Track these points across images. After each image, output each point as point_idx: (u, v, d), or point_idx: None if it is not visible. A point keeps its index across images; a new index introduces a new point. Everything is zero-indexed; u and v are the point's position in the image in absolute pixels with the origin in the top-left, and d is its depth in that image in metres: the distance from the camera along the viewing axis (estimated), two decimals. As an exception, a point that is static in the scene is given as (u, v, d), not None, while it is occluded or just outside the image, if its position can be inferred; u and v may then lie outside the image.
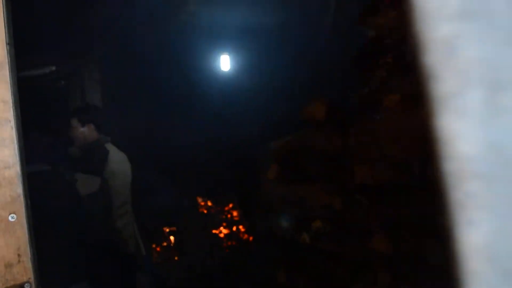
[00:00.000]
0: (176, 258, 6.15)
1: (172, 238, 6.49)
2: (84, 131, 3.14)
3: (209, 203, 6.90)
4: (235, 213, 6.89)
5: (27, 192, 0.92)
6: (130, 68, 4.99)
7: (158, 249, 6.29)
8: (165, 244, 6.41)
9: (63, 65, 4.21)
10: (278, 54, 4.63)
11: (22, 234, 0.88)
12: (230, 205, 6.98)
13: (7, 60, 0.85)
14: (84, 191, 2.94)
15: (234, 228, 6.71)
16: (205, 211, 6.75)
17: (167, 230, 6.54)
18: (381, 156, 1.90)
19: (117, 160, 3.20)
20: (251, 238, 6.55)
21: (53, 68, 4.06)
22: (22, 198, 0.88)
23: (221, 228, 6.65)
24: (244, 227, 6.76)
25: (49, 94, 4.31)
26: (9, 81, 0.85)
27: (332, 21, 4.35)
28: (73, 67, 4.32)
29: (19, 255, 0.87)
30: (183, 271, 5.81)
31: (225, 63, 5.43)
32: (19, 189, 0.87)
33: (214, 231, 6.57)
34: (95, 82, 4.56)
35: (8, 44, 0.85)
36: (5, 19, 0.84)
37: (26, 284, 0.89)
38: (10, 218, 0.86)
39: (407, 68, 1.89)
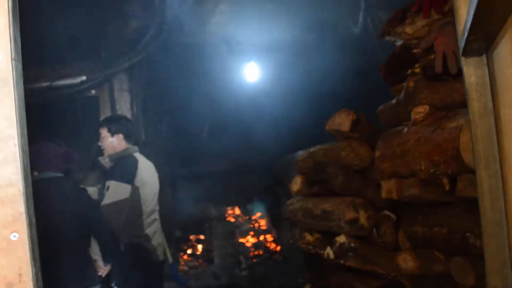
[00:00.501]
0: (203, 266, 6.15)
1: (199, 246, 6.50)
2: (114, 141, 3.22)
3: (237, 212, 6.89)
4: (262, 222, 6.85)
5: (31, 210, 0.90)
6: (159, 80, 5.06)
7: (185, 257, 6.31)
8: (192, 252, 6.43)
9: (93, 75, 4.29)
10: (305, 65, 4.58)
11: (23, 254, 0.86)
12: (258, 214, 6.95)
13: (12, 76, 0.84)
14: (114, 197, 2.99)
15: (262, 238, 6.67)
16: (233, 220, 6.74)
17: (195, 238, 6.56)
18: (409, 171, 1.82)
19: (146, 168, 3.27)
20: (278, 248, 6.48)
21: (84, 78, 4.14)
22: (24, 217, 0.86)
23: (248, 237, 6.62)
24: (272, 236, 6.70)
25: (79, 104, 4.40)
26: (14, 98, 0.85)
27: (361, 31, 4.27)
28: (104, 77, 4.39)
29: (20, 275, 0.86)
30: (209, 279, 5.80)
31: (252, 74, 5.41)
32: (21, 207, 0.86)
33: (241, 240, 6.55)
34: (125, 92, 4.63)
35: (14, 59, 0.85)
36: (11, 34, 0.84)
37: (28, 305, 0.88)
38: (12, 237, 0.85)
39: (436, 79, 1.81)
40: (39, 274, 0.92)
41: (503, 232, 1.22)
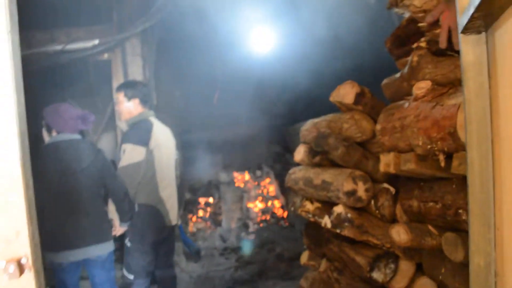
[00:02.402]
0: (211, 228, 6.31)
1: (208, 209, 6.65)
2: (130, 106, 3.29)
3: (246, 177, 6.98)
4: (271, 189, 6.94)
5: (28, 173, 0.95)
6: (172, 45, 5.04)
7: (194, 219, 6.48)
8: (200, 214, 6.58)
9: (106, 39, 4.30)
10: (320, 33, 4.50)
11: (20, 213, 0.92)
12: (267, 181, 7.03)
13: (8, 48, 0.87)
14: (131, 160, 3.10)
15: (269, 203, 6.78)
16: (242, 185, 6.84)
17: (204, 201, 6.70)
18: (407, 146, 1.83)
19: (162, 133, 3.36)
20: (285, 214, 6.60)
21: (96, 42, 4.15)
22: (21, 179, 0.92)
23: (257, 202, 6.74)
24: (279, 202, 6.81)
25: (92, 68, 4.43)
26: (11, 69, 0.88)
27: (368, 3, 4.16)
28: (116, 41, 4.39)
29: (17, 232, 0.92)
30: (217, 241, 5.96)
31: (265, 40, 5.35)
32: (18, 170, 0.91)
33: (249, 205, 6.67)
34: (137, 57, 4.63)
35: (10, 32, 0.87)
36: (7, 7, 0.86)
37: (23, 259, 0.95)
38: (9, 197, 0.91)
39: (440, 54, 1.79)
40: (36, 232, 0.99)
41: (489, 212, 1.24)
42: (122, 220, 3.13)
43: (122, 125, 3.36)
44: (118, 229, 3.18)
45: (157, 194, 3.27)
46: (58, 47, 4.03)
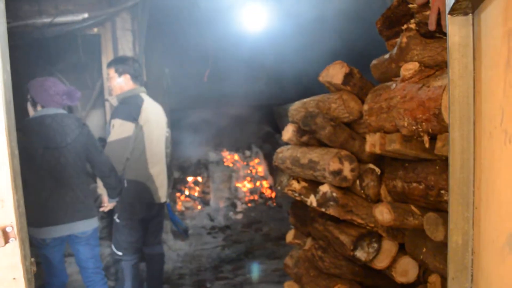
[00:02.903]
0: (199, 207, 6.35)
1: (196, 188, 6.68)
2: (121, 81, 3.27)
3: (235, 157, 7.01)
4: (259, 169, 6.98)
5: (13, 142, 0.95)
6: (163, 20, 4.97)
7: (182, 197, 6.51)
8: (189, 193, 6.61)
9: (96, 13, 4.22)
10: (304, 16, 4.47)
11: (5, 182, 0.92)
12: (256, 161, 7.07)
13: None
14: (119, 135, 3.10)
15: (258, 184, 6.82)
16: (231, 165, 6.87)
17: (193, 180, 6.73)
18: (393, 127, 1.85)
19: (152, 109, 3.37)
20: (273, 195, 6.66)
21: (86, 15, 4.08)
22: (6, 147, 0.92)
23: (245, 182, 6.78)
24: (267, 183, 6.86)
25: (81, 42, 4.36)
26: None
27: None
28: (106, 15, 4.32)
29: (2, 200, 0.92)
30: (204, 220, 6.01)
31: (257, 18, 5.29)
32: (3, 138, 0.91)
33: (237, 185, 6.71)
34: (127, 32, 4.57)
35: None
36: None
37: (8, 227, 0.95)
38: (-7, 167, 0.91)
39: (429, 36, 1.80)
40: (21, 201, 0.99)
41: (469, 192, 1.27)
42: (110, 196, 3.13)
43: (113, 101, 3.34)
44: (107, 204, 3.19)
45: (146, 171, 3.28)
46: (47, 20, 3.96)
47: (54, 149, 2.76)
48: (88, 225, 2.94)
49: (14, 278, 1.00)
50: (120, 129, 3.11)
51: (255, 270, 4.47)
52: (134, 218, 3.30)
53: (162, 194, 3.41)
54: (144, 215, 3.33)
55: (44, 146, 2.73)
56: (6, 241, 0.99)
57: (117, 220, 3.31)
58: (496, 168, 1.08)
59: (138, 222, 3.32)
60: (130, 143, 3.15)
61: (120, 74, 3.30)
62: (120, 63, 3.35)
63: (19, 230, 1.01)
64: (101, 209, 3.23)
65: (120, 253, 3.33)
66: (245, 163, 7.00)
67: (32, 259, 1.10)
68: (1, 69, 0.94)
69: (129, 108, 3.20)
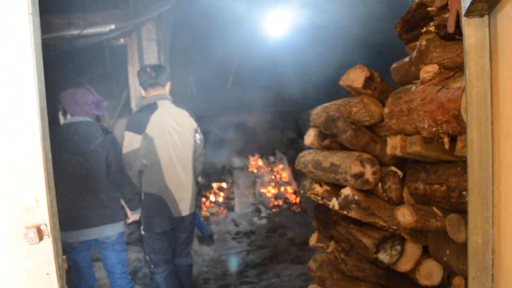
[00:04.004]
0: (224, 213, 6.41)
1: (221, 194, 6.75)
2: (141, 92, 3.36)
3: (260, 163, 7.05)
4: (284, 174, 7.00)
5: (47, 146, 1.02)
6: (187, 30, 5.09)
7: (207, 203, 6.59)
8: (214, 199, 6.69)
9: (122, 24, 4.36)
10: (328, 22, 4.50)
11: (40, 183, 0.99)
12: (280, 166, 7.09)
13: (30, 30, 0.93)
14: (129, 147, 3.13)
15: (282, 189, 6.84)
16: (255, 170, 6.91)
17: (217, 186, 6.80)
18: (414, 129, 1.86)
19: (170, 118, 3.24)
20: (297, 200, 6.66)
21: (112, 26, 4.22)
22: (41, 152, 0.99)
23: (269, 187, 6.81)
24: (292, 188, 6.87)
25: (108, 52, 4.50)
26: (32, 50, 0.94)
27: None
28: (132, 26, 4.46)
29: (37, 200, 0.99)
30: (229, 225, 6.07)
31: (281, 25, 5.35)
32: (38, 144, 0.98)
33: (262, 190, 6.74)
34: (152, 42, 4.70)
35: (31, 14, 0.93)
36: (27, -12, 0.92)
37: (42, 225, 1.02)
38: (30, 168, 0.98)
39: (449, 38, 1.80)
40: (54, 201, 1.06)
41: (488, 191, 1.27)
42: (129, 207, 3.20)
43: (134, 109, 3.39)
44: (130, 216, 3.27)
45: (162, 183, 3.17)
46: (75, 32, 4.11)
47: (79, 154, 2.87)
48: (113, 230, 3.01)
49: (47, 274, 1.07)
50: (130, 141, 3.11)
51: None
52: (154, 231, 3.24)
53: (184, 207, 3.27)
54: (164, 229, 3.24)
55: (70, 151, 2.86)
56: (41, 238, 1.06)
57: (143, 233, 3.34)
58: (514, 166, 1.09)
59: (162, 235, 3.25)
60: (139, 155, 3.10)
61: (139, 85, 3.38)
62: (137, 75, 3.42)
63: (52, 228, 1.08)
64: (127, 221, 3.31)
65: (151, 266, 3.33)
66: (269, 168, 7.04)
67: (64, 257, 1.17)
68: (36, 79, 1.01)
69: (136, 120, 3.17)
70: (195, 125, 3.41)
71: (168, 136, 3.20)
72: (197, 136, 3.43)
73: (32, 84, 1.00)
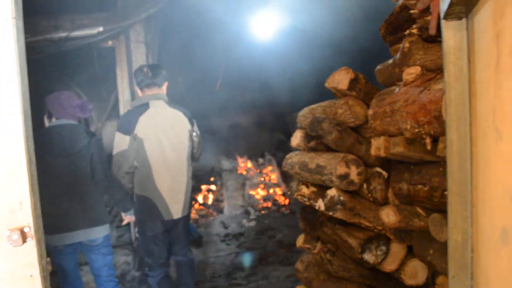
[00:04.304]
0: (213, 215, 6.41)
1: (210, 196, 6.75)
2: (138, 92, 3.33)
3: (249, 165, 7.06)
4: (273, 176, 7.02)
5: (31, 149, 1.03)
6: (175, 32, 5.09)
7: (196, 206, 6.58)
8: (203, 201, 6.68)
9: (110, 26, 4.35)
10: (315, 24, 4.53)
11: (24, 186, 1.00)
12: (269, 168, 7.11)
13: (13, 33, 0.94)
14: (118, 148, 3.09)
15: (271, 191, 6.86)
16: (244, 172, 6.92)
17: (206, 188, 6.80)
18: (397, 130, 1.89)
19: (162, 119, 3.16)
20: (286, 202, 6.68)
21: (101, 29, 4.21)
22: (25, 155, 0.99)
23: (258, 189, 6.82)
24: (281, 190, 6.89)
25: (96, 55, 4.50)
26: (15, 53, 0.95)
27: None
28: (120, 28, 4.45)
29: (21, 203, 1.00)
30: (218, 228, 6.06)
31: (269, 28, 5.37)
32: (22, 147, 0.99)
33: (251, 192, 6.76)
34: (141, 44, 4.69)
35: (14, 18, 0.94)
36: (10, -9, 0.93)
37: (26, 228, 1.02)
38: (13, 171, 0.98)
39: (431, 41, 1.84)
40: (38, 203, 1.06)
41: (467, 191, 1.30)
42: (121, 209, 3.20)
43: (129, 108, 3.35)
44: (124, 218, 3.26)
45: (152, 186, 3.11)
46: (63, 34, 4.10)
47: (63, 157, 2.87)
48: (98, 233, 3.00)
49: (31, 275, 1.07)
50: (119, 142, 3.07)
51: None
52: (146, 234, 3.19)
53: (176, 210, 3.20)
54: (156, 232, 3.18)
55: (54, 154, 2.85)
56: (24, 240, 1.06)
57: (137, 235, 3.31)
58: (490, 165, 1.11)
59: (155, 238, 3.19)
60: (128, 156, 3.04)
61: (136, 85, 3.35)
62: (134, 76, 3.39)
63: (36, 230, 1.08)
64: (122, 223, 3.30)
65: (146, 268, 3.30)
66: (258, 170, 7.05)
67: (48, 259, 1.17)
68: (20, 82, 1.01)
69: (125, 120, 3.12)
70: (189, 126, 3.30)
71: (159, 137, 3.13)
72: (194, 134, 3.35)
73: (15, 87, 1.00)
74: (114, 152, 3.10)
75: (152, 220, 3.16)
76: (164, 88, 3.32)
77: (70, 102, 2.98)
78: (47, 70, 4.47)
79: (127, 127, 3.07)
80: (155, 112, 3.15)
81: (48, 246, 2.82)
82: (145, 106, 3.15)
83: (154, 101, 3.18)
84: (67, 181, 2.88)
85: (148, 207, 3.13)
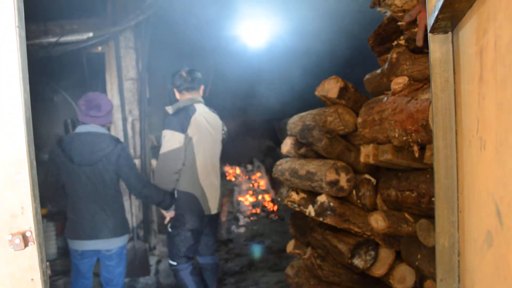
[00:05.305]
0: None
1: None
2: (175, 94, 3.43)
3: (237, 171, 7.09)
4: (261, 182, 7.06)
5: (32, 154, 1.05)
6: (165, 38, 5.11)
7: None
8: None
9: (100, 32, 4.36)
10: (304, 32, 4.61)
11: (25, 191, 1.02)
12: (258, 175, 7.15)
13: (16, 42, 0.97)
14: (170, 146, 3.15)
15: (260, 197, 6.89)
16: (233, 179, 6.95)
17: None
18: (386, 138, 1.95)
19: (205, 119, 3.36)
20: (275, 208, 6.72)
21: (90, 34, 4.22)
22: (26, 159, 1.01)
23: (247, 196, 6.85)
24: (270, 196, 6.93)
25: (85, 60, 4.49)
26: (18, 61, 0.97)
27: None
28: (110, 34, 4.46)
29: (22, 208, 1.02)
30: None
31: (258, 35, 5.43)
32: (24, 152, 1.01)
33: (240, 198, 6.78)
34: (130, 50, 4.71)
35: (17, 27, 0.97)
36: (15, 3, 0.96)
37: (27, 232, 1.05)
38: (15, 176, 1.01)
39: (418, 52, 1.90)
40: (39, 208, 1.09)
41: (454, 197, 1.36)
42: (162, 208, 3.25)
43: (169, 110, 3.39)
44: (166, 215, 3.32)
45: (197, 182, 3.29)
46: (52, 39, 4.09)
47: (85, 165, 2.86)
48: (115, 243, 3.00)
49: (32, 279, 1.09)
50: (171, 140, 3.16)
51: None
52: (184, 229, 3.32)
53: (213, 205, 3.40)
54: (195, 226, 3.33)
55: (77, 162, 2.84)
56: (26, 244, 1.08)
57: (169, 230, 3.39)
58: (475, 172, 1.17)
59: (189, 233, 3.33)
60: (181, 154, 3.17)
61: (173, 88, 3.48)
62: (172, 78, 3.51)
63: (37, 235, 1.10)
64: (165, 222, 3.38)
65: (174, 263, 3.39)
66: (247, 177, 7.08)
67: (48, 263, 1.19)
68: (22, 89, 1.04)
69: (177, 119, 3.22)
70: (225, 128, 3.63)
71: (204, 137, 3.33)
72: (224, 135, 3.62)
73: (18, 94, 1.03)
74: (165, 150, 3.15)
75: (193, 215, 3.31)
76: (200, 91, 3.55)
77: (105, 105, 3.00)
78: (36, 75, 4.45)
79: (182, 126, 3.19)
80: (201, 114, 3.34)
81: (70, 249, 2.96)
82: (191, 108, 3.32)
83: (197, 104, 3.38)
84: (89, 190, 2.89)
85: (192, 203, 3.29)
